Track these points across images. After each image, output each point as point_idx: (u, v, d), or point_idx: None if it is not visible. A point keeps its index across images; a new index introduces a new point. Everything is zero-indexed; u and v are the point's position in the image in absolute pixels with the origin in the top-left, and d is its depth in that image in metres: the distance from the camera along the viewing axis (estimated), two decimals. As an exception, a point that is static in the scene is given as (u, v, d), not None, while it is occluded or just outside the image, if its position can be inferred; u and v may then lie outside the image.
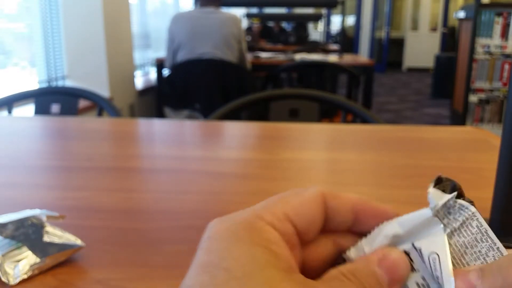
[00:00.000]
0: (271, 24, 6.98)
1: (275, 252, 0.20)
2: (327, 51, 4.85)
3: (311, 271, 0.24)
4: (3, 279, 0.41)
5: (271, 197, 0.23)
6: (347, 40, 10.00)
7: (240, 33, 2.81)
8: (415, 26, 10.90)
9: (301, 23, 7.35)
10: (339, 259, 0.24)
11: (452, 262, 0.22)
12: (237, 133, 1.08)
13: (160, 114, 3.15)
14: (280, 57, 4.06)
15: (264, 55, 4.18)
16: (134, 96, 3.69)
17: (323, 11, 7.14)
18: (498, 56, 4.10)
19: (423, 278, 0.23)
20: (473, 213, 0.23)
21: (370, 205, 0.24)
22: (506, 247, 0.22)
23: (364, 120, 1.24)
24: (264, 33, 6.52)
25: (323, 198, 0.23)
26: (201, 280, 0.19)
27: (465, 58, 4.29)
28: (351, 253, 0.24)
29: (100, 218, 0.57)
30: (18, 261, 0.42)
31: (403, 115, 5.70)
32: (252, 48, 4.18)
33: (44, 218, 0.45)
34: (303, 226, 0.23)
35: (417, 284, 0.23)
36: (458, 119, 4.41)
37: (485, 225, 0.22)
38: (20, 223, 0.44)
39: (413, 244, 0.23)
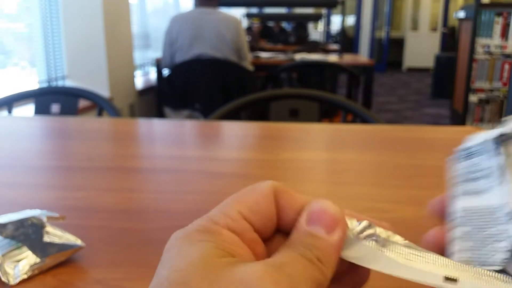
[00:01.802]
0: (271, 24, 6.99)
1: (231, 250, 0.21)
2: (327, 51, 4.85)
3: None
4: (3, 279, 0.41)
5: (225, 199, 0.24)
6: (347, 40, 10.00)
7: (239, 34, 2.79)
8: (415, 26, 10.89)
9: (301, 23, 7.35)
10: None
11: None
12: (237, 133, 1.08)
13: (160, 114, 3.15)
14: (280, 57, 4.06)
15: (264, 55, 4.18)
16: (134, 96, 3.69)
17: (323, 11, 7.14)
18: (498, 56, 4.10)
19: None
20: None
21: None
22: None
23: (364, 120, 1.24)
24: (264, 33, 6.52)
25: (274, 193, 0.23)
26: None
27: (465, 58, 4.29)
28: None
29: (100, 218, 0.57)
30: (18, 261, 0.42)
31: (403, 115, 5.70)
32: (252, 48, 4.18)
33: (44, 219, 0.45)
34: (259, 222, 0.22)
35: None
36: (458, 119, 4.41)
37: None
38: (20, 223, 0.44)
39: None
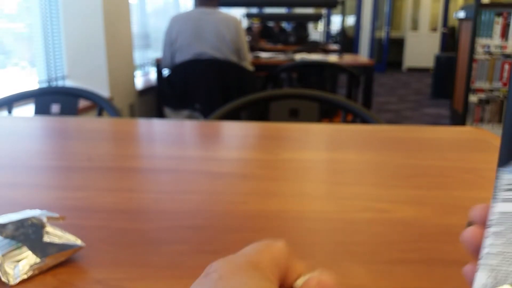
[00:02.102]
0: (271, 24, 6.99)
1: None
2: (327, 51, 4.85)
3: None
4: (3, 279, 0.41)
5: (251, 245, 0.25)
6: (347, 40, 10.00)
7: (239, 34, 2.79)
8: (415, 26, 10.90)
9: (301, 23, 7.35)
10: None
11: None
12: (237, 133, 1.08)
13: (160, 114, 3.15)
14: (280, 57, 4.06)
15: (264, 55, 4.18)
16: (134, 96, 3.69)
17: (323, 11, 7.15)
18: (498, 56, 4.10)
19: None
20: None
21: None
22: None
23: (364, 120, 1.24)
24: (264, 33, 6.52)
25: (287, 257, 0.25)
26: None
27: (465, 58, 4.29)
28: None
29: (100, 218, 0.57)
30: (18, 261, 0.42)
31: (403, 115, 5.70)
32: (252, 48, 4.18)
33: (44, 219, 0.45)
34: (280, 275, 0.24)
35: None
36: (458, 119, 4.41)
37: None
38: (20, 223, 0.44)
39: None
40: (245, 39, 2.88)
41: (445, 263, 0.47)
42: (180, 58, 2.77)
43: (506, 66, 4.10)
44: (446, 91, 6.23)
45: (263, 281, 0.22)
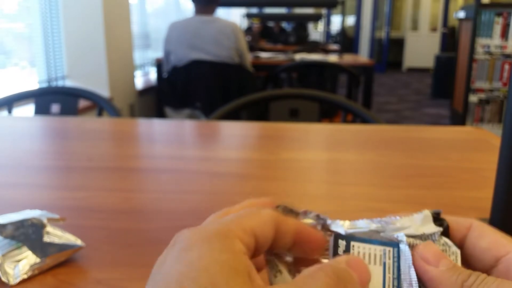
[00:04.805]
0: (271, 24, 6.98)
1: (243, 261, 0.22)
2: (327, 51, 4.85)
3: None
4: (3, 279, 0.41)
5: (234, 214, 0.25)
6: (347, 40, 10.00)
7: (239, 40, 2.77)
8: (415, 26, 10.90)
9: (301, 23, 7.35)
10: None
11: None
12: (237, 133, 1.08)
13: (160, 114, 3.15)
14: (280, 57, 4.06)
15: (264, 55, 4.18)
16: (134, 96, 3.69)
17: (323, 11, 7.14)
18: (498, 56, 4.10)
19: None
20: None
21: (309, 232, 0.26)
22: None
23: (364, 120, 1.24)
24: (264, 33, 6.52)
25: (276, 221, 0.25)
26: None
27: (465, 58, 4.29)
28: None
29: (100, 218, 0.57)
30: (18, 261, 0.42)
31: (403, 115, 5.70)
32: (252, 48, 4.18)
33: (44, 220, 0.45)
34: (261, 242, 0.24)
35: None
36: (458, 119, 4.41)
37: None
38: (20, 223, 0.44)
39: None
40: (245, 42, 2.87)
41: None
42: (179, 65, 2.77)
43: (506, 66, 4.10)
44: (446, 91, 6.24)
45: (224, 253, 0.21)
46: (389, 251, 0.26)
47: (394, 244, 0.26)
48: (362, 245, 0.27)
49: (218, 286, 0.20)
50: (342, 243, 0.27)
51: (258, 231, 0.24)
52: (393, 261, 0.26)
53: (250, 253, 0.24)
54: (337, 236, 0.27)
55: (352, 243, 0.27)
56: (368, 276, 0.25)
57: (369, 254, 0.26)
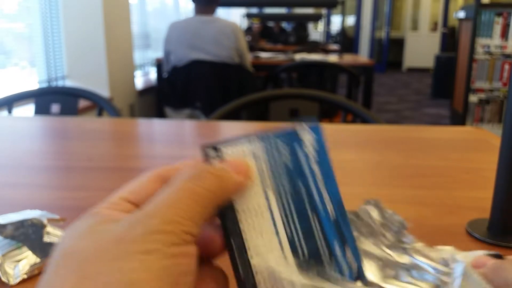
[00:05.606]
0: (271, 24, 6.98)
1: (112, 216, 0.25)
2: (327, 51, 4.85)
3: None
4: (3, 279, 0.41)
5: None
6: (347, 40, 10.00)
7: (239, 41, 2.77)
8: (415, 26, 10.90)
9: (301, 23, 7.35)
10: None
11: None
12: (237, 133, 1.08)
13: (160, 114, 3.15)
14: (280, 57, 4.06)
15: (264, 55, 4.18)
16: (134, 96, 3.69)
17: (323, 11, 7.14)
18: (498, 56, 4.10)
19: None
20: None
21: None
22: (506, 247, 0.23)
23: (364, 120, 1.24)
24: (264, 33, 6.52)
25: (159, 174, 0.29)
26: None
27: (465, 58, 4.29)
28: None
29: (100, 218, 0.57)
30: (18, 261, 0.42)
31: (403, 115, 5.70)
32: (252, 48, 4.18)
33: (44, 220, 0.45)
34: (139, 199, 0.27)
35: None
36: (458, 119, 4.41)
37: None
38: (20, 223, 0.44)
39: None
40: (245, 42, 2.87)
41: (445, 263, 0.47)
42: (179, 65, 2.77)
43: (506, 66, 4.10)
44: (446, 91, 6.24)
45: (86, 219, 0.26)
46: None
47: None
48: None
49: (81, 233, 0.25)
50: None
51: (130, 192, 0.28)
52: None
53: (130, 210, 0.26)
54: None
55: None
56: (245, 166, 0.28)
57: None
